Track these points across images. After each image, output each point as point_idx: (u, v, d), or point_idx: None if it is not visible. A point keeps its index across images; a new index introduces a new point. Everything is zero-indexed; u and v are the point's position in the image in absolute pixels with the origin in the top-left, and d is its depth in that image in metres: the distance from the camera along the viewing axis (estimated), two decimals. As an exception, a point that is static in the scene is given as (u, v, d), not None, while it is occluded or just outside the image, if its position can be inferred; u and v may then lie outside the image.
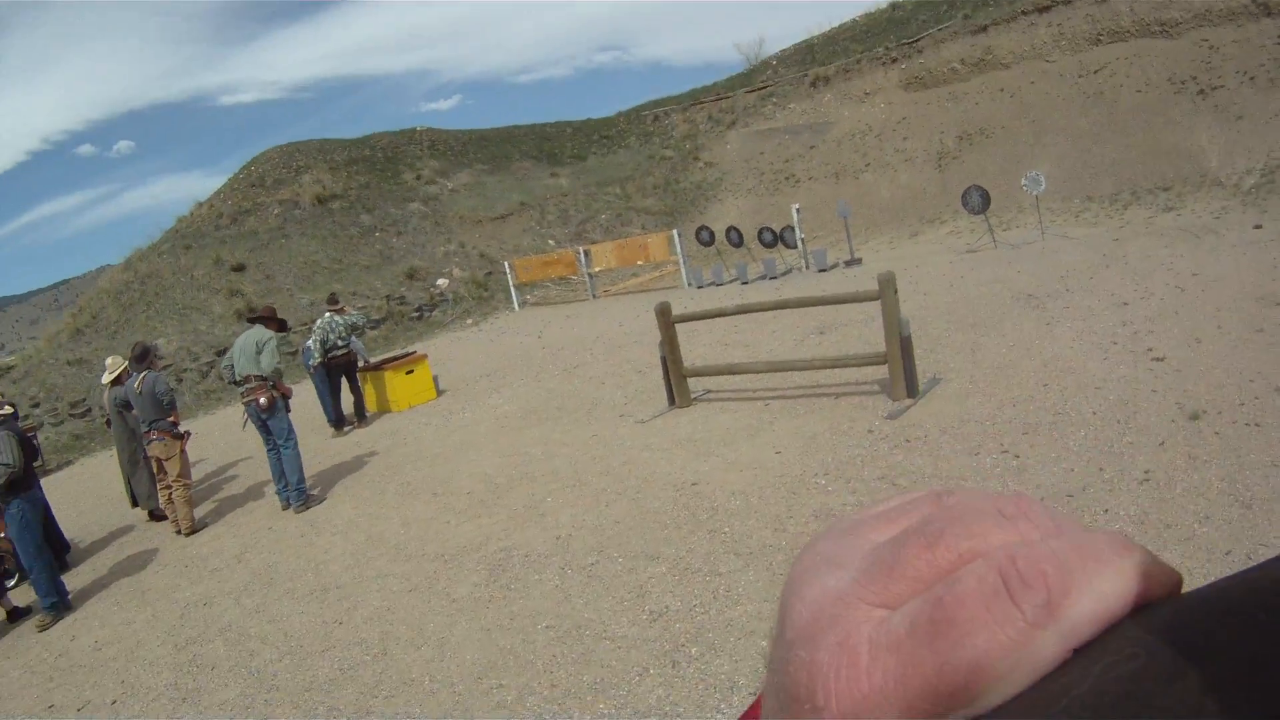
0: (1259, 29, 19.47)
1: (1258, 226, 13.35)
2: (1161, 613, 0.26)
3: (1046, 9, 24.16)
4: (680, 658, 4.10)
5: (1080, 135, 20.89)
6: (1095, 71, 22.08)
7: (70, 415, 17.27)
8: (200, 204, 27.80)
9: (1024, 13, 24.65)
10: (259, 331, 8.25)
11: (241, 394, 8.30)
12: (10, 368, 20.20)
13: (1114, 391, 6.53)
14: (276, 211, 26.39)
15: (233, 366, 8.37)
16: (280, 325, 9.25)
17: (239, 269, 23.01)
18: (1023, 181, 17.14)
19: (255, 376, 8.11)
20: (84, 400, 17.24)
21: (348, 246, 25.00)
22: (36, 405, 17.74)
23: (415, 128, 33.55)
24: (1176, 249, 12.65)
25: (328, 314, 11.54)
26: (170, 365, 18.65)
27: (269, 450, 8.28)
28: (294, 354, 18.86)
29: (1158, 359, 7.18)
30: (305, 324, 18.32)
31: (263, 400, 8.06)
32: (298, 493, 8.16)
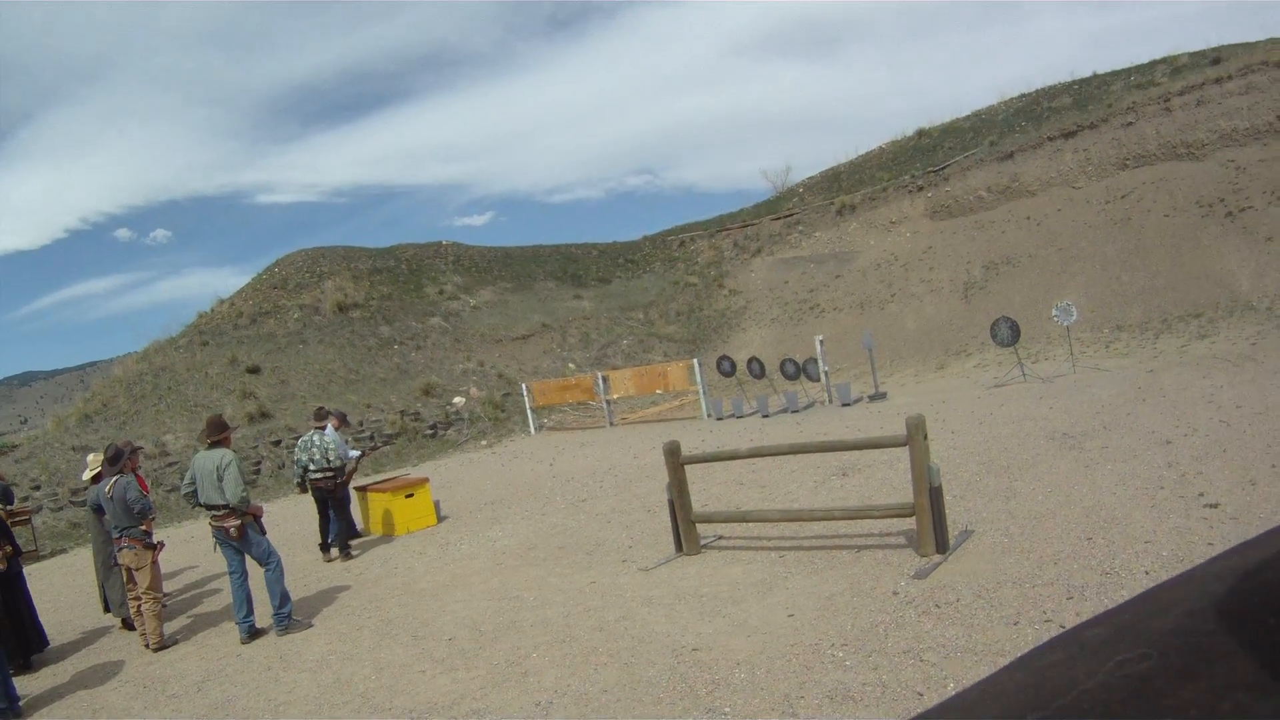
0: (1285, 145, 19.45)
1: (1297, 351, 12.87)
2: (1174, 615, 0.25)
3: (1072, 134, 24.43)
4: None
5: (1108, 262, 20.75)
6: (1122, 197, 22.10)
7: (70, 502, 16.88)
8: (222, 301, 28.03)
9: (1050, 139, 24.93)
10: (217, 454, 7.65)
11: (210, 519, 7.79)
12: (14, 447, 19.91)
13: (1166, 546, 5.90)
14: (296, 316, 26.42)
15: (195, 491, 7.82)
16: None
17: (254, 371, 22.83)
18: (1053, 312, 16.90)
19: (221, 504, 7.63)
20: (85, 488, 17.03)
21: (365, 357, 24.83)
22: (37, 488, 17.37)
23: (441, 241, 33.89)
24: (1215, 379, 12.24)
25: (312, 433, 10.80)
26: (176, 463, 18.23)
27: (231, 574, 7.76)
28: (256, 471, 18.55)
29: (1211, 505, 6.60)
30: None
31: (232, 530, 7.57)
32: (279, 617, 7.62)
